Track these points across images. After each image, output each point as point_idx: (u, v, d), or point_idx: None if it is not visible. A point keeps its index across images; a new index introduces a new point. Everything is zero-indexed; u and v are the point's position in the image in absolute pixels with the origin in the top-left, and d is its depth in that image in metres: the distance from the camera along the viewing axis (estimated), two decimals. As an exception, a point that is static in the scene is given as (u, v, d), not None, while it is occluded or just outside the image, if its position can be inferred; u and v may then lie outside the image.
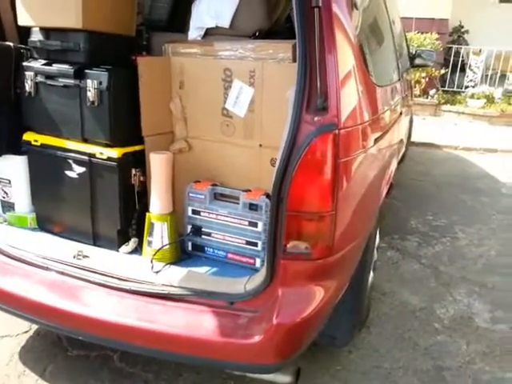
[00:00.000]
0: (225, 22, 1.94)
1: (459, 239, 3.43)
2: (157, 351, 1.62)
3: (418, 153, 5.61)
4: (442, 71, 7.56)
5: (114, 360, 2.09)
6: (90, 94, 1.78)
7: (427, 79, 7.35)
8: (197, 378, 2.01)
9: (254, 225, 1.82)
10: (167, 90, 1.95)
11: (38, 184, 2.06)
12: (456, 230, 3.57)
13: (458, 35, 8.06)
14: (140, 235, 1.95)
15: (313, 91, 1.46)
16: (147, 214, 1.88)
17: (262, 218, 1.80)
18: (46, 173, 2.01)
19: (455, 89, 7.86)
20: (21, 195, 2.12)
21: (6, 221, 2.14)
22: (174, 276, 1.74)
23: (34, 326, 2.25)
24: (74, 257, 1.85)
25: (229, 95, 1.84)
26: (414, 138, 5.56)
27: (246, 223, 1.83)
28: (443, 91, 7.75)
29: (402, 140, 3.10)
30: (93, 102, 1.79)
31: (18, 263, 1.87)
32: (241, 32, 1.97)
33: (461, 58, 7.81)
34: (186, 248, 1.98)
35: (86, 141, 1.89)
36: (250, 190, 1.86)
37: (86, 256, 1.87)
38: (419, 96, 7.40)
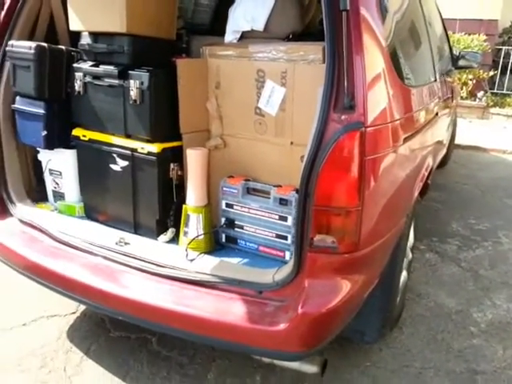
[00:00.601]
0: (259, 26, 2.03)
1: (502, 244, 3.36)
2: (189, 333, 1.72)
3: (463, 156, 5.49)
4: (491, 73, 7.33)
5: (153, 343, 2.22)
6: (133, 93, 1.91)
7: (474, 81, 7.16)
8: (229, 365, 2.11)
9: (284, 219, 1.89)
10: (204, 90, 2.06)
11: (85, 176, 2.23)
12: (499, 235, 3.49)
13: (508, 36, 7.79)
14: (177, 226, 2.07)
15: (340, 90, 1.52)
16: (184, 205, 2.00)
17: (291, 213, 1.87)
18: (92, 166, 2.17)
19: (505, 91, 7.61)
20: (70, 186, 2.29)
21: (56, 209, 2.32)
22: (207, 264, 1.85)
23: (81, 308, 2.43)
24: (117, 243, 1.99)
25: (261, 95, 1.92)
26: (459, 141, 5.45)
27: (277, 217, 1.91)
28: (492, 93, 7.51)
29: (440, 141, 3.08)
30: (135, 101, 1.92)
31: (66, 248, 2.03)
32: (275, 35, 2.06)
33: (511, 60, 7.53)
34: (220, 239, 2.08)
35: (128, 136, 2.04)
36: (280, 186, 1.93)
37: (127, 243, 2.00)
38: (466, 98, 7.22)
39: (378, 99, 1.60)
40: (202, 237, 1.97)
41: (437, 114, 2.49)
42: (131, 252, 1.92)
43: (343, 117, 1.52)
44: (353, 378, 2.07)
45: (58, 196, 2.34)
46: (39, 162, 2.35)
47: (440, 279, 2.85)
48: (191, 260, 1.86)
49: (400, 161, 1.80)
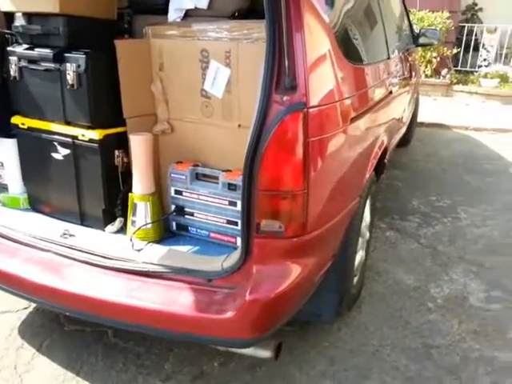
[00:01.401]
0: (203, 3, 1.95)
1: (461, 220, 3.39)
2: (137, 326, 1.67)
3: (426, 134, 5.53)
4: (455, 51, 7.38)
5: (109, 335, 2.16)
6: (70, 77, 1.82)
7: (439, 59, 7.19)
8: (186, 354, 2.06)
9: (234, 204, 1.85)
10: (148, 72, 1.98)
11: (28, 166, 2.13)
12: (458, 211, 3.52)
13: (471, 13, 7.84)
14: (126, 215, 2.00)
15: (282, 71, 1.47)
16: (130, 194, 1.93)
17: (240, 198, 1.82)
18: (34, 155, 2.07)
19: (468, 68, 7.67)
20: (13, 177, 2.19)
21: (0, 202, 2.21)
22: (155, 254, 1.79)
23: (34, 303, 2.34)
24: (61, 236, 1.91)
25: (206, 76, 1.85)
26: (423, 119, 5.48)
27: (226, 203, 1.86)
28: (456, 71, 7.58)
29: (397, 119, 3.07)
30: (72, 85, 1.82)
31: (9, 242, 1.94)
32: (220, 13, 1.98)
33: (474, 37, 7.60)
34: (171, 227, 2.02)
35: (68, 123, 1.94)
36: (230, 171, 1.88)
37: (72, 235, 1.93)
38: (431, 76, 7.26)
39: (321, 79, 1.56)
40: (150, 225, 1.91)
41: (391, 92, 2.46)
42: (76, 244, 1.85)
43: (285, 98, 1.47)
44: (310, 358, 2.06)
45: (1, 188, 2.23)
46: (-22, 154, 2.23)
47: (399, 256, 2.87)
48: (138, 250, 1.80)
49: (348, 141, 1.76)
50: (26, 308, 2.33)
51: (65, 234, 1.92)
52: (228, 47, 1.79)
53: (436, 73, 7.38)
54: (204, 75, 1.86)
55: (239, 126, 1.87)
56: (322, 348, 2.11)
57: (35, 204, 2.16)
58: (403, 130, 3.70)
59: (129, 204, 1.93)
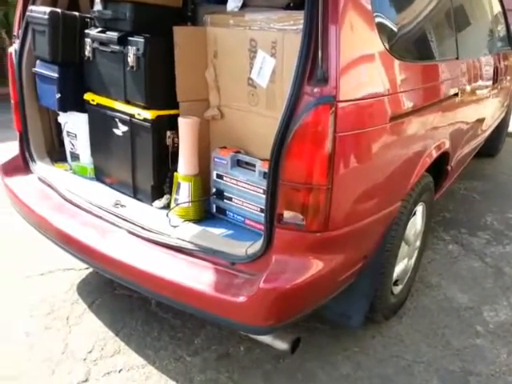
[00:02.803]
0: (260, -7, 1.98)
1: (537, 243, 3.06)
2: (159, 295, 1.79)
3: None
4: None
5: (152, 304, 2.32)
6: (130, 59, 1.96)
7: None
8: (217, 333, 2.15)
9: (267, 193, 1.87)
10: (203, 59, 2.06)
11: (95, 139, 2.34)
12: (536, 233, 3.18)
13: None
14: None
15: (315, 62, 1.46)
16: (175, 173, 2.04)
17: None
18: (100, 129, 2.27)
19: None
20: (84, 148, 2.42)
21: (71, 169, 2.46)
22: (189, 232, 1.88)
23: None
24: (114, 205, 2.09)
25: (254, 65, 1.89)
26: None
27: (261, 191, 1.89)
28: None
29: (472, 125, 2.84)
30: (132, 67, 1.97)
31: (70, 206, 2.16)
32: (276, 2, 1.99)
33: None
34: (211, 209, 2.10)
35: (128, 102, 2.10)
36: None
37: (123, 205, 2.09)
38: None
39: (356, 73, 1.52)
40: (190, 204, 2.00)
41: (457, 94, 2.29)
42: (124, 214, 2.00)
43: (315, 89, 1.46)
44: (336, 360, 2.03)
45: (74, 157, 2.47)
46: (60, 124, 2.49)
47: (457, 272, 2.67)
48: (175, 226, 1.91)
49: (386, 141, 1.69)
50: (87, 268, 2.57)
51: (117, 204, 2.09)
52: (274, 37, 1.80)
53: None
54: (251, 64, 1.90)
55: (282, 116, 1.88)
56: (350, 352, 2.07)
57: (99, 174, 2.37)
58: (483, 137, 3.40)
59: (174, 183, 2.04)
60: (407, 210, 1.98)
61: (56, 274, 2.55)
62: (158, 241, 1.85)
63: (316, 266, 1.61)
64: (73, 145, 2.46)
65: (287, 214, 1.57)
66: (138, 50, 1.93)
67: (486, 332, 2.21)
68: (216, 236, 1.91)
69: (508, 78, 3.66)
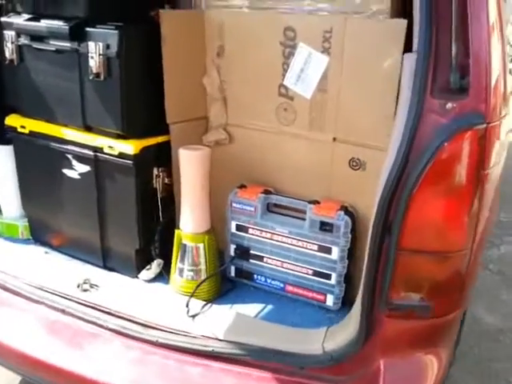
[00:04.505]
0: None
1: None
2: None
3: None
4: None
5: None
6: (94, 63, 1.24)
7: None
8: None
9: (327, 251, 1.31)
10: (201, 59, 1.41)
11: (29, 183, 1.56)
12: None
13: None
14: (165, 255, 1.46)
15: (442, 62, 0.92)
16: (177, 231, 1.37)
17: (339, 243, 1.28)
18: (38, 170, 1.50)
19: None
20: (8, 197, 1.63)
21: (-10, 229, 1.65)
22: (218, 322, 1.24)
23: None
24: (79, 286, 1.36)
25: (290, 67, 1.29)
26: None
27: (315, 248, 1.32)
28: None
29: None
30: (97, 75, 1.25)
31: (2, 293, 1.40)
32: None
33: None
34: (228, 273, 1.48)
35: (89, 129, 1.37)
36: (318, 202, 1.33)
37: (95, 285, 1.37)
38: None
39: (502, 78, 0.99)
40: (202, 276, 1.36)
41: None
42: (100, 302, 1.30)
43: (449, 105, 0.91)
44: None
45: (-6, 210, 1.66)
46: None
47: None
48: (193, 316, 1.26)
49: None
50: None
51: (85, 283, 1.37)
52: (328, 25, 1.22)
53: None
54: (286, 65, 1.30)
55: (334, 139, 1.31)
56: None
57: (38, 234, 1.60)
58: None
59: (175, 244, 1.38)
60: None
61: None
62: (172, 344, 1.20)
63: (432, 364, 1.10)
64: (-11, 192, 1.64)
65: (402, 295, 1.03)
66: (107, 47, 1.22)
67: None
68: (260, 323, 1.29)
69: None
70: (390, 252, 0.99)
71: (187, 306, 1.27)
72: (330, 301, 1.36)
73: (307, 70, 1.27)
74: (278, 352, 1.16)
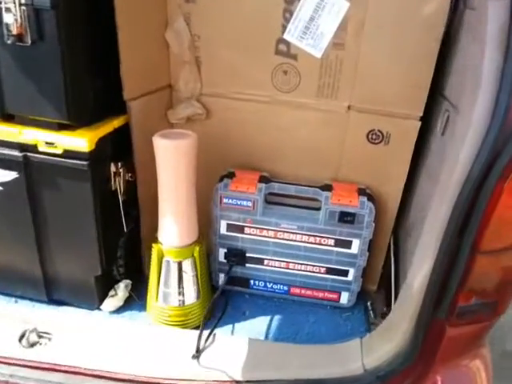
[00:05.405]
0: None
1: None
2: None
3: None
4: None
5: None
6: (12, 19, 0.79)
7: None
8: None
9: (346, 244, 1.08)
10: (162, 7, 1.01)
11: None
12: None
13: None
14: (132, 273, 1.12)
15: None
16: (155, 246, 1.02)
17: (361, 234, 1.06)
18: None
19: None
20: None
21: None
22: (229, 358, 0.97)
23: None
24: (22, 339, 0.98)
25: (294, 15, 0.96)
26: None
27: (331, 242, 1.08)
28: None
29: None
30: (19, 37, 0.80)
31: None
32: None
33: None
34: (215, 282, 1.18)
35: (10, 118, 0.92)
36: (330, 185, 1.08)
37: (45, 333, 0.99)
38: None
39: None
40: (196, 300, 1.06)
41: None
42: (56, 357, 0.95)
43: None
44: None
45: None
46: None
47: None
48: (196, 356, 0.96)
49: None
50: None
51: (31, 332, 0.98)
52: (351, -43, 0.91)
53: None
54: (288, 12, 0.97)
55: (349, 107, 1.05)
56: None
57: None
58: None
59: (153, 263, 1.04)
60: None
61: None
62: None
63: (482, 369, 1.00)
64: None
65: (473, 301, 0.87)
66: (34, -6, 0.78)
67: None
68: (277, 348, 1.03)
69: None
70: (465, 255, 0.81)
71: (197, 349, 0.96)
72: (344, 298, 1.17)
73: (319, 18, 0.96)
74: (313, 382, 0.94)
